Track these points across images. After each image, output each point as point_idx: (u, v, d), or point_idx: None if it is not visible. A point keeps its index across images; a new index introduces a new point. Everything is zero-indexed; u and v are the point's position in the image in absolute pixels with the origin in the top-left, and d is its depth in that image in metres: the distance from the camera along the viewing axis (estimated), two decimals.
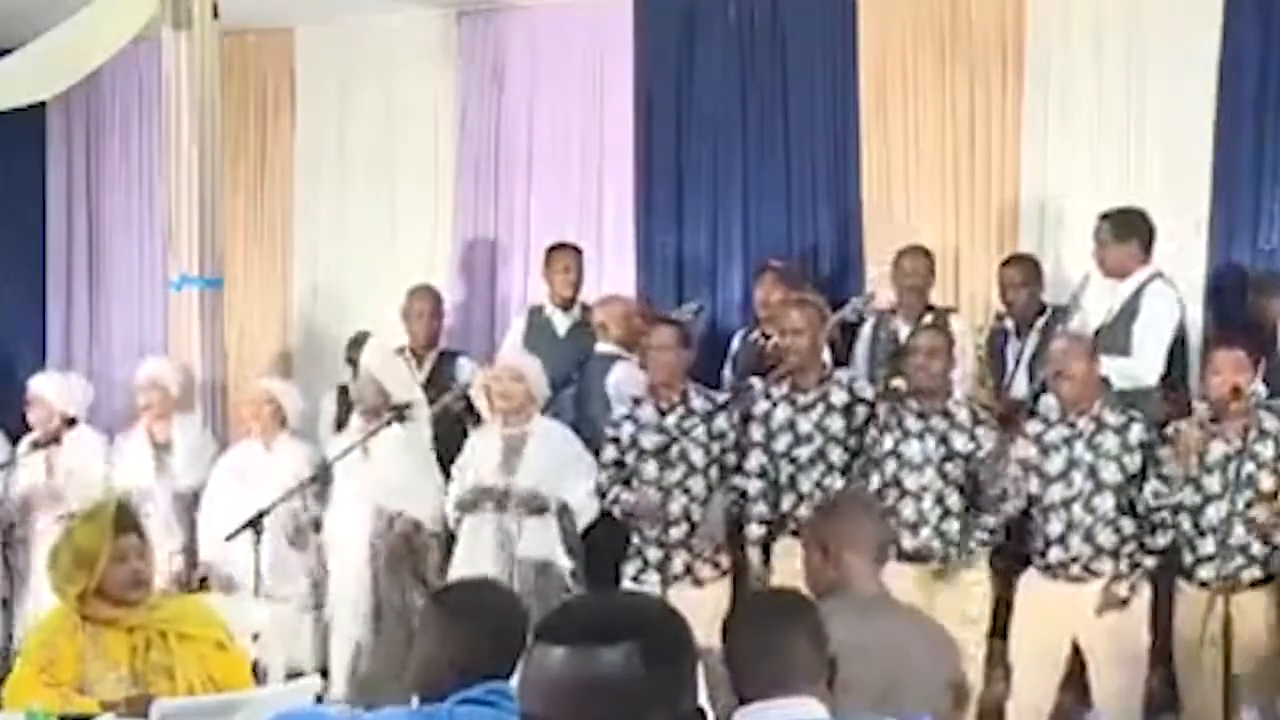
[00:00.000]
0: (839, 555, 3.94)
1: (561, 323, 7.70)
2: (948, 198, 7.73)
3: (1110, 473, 5.74)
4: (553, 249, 7.83)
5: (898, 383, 6.23)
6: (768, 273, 7.42)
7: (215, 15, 7.76)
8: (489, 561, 6.45)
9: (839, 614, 3.45)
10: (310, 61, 9.19)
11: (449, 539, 6.79)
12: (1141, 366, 6.32)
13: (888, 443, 6.05)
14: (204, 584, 7.05)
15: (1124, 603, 5.70)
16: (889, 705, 3.56)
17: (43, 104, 8.86)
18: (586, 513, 6.58)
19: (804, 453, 6.29)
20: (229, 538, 6.02)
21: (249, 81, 9.19)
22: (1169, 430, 5.80)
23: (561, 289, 7.71)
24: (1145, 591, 5.78)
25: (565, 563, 6.52)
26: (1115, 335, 6.41)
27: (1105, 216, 6.64)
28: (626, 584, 6.39)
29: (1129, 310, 6.44)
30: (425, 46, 8.87)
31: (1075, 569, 5.76)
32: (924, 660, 3.87)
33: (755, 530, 6.34)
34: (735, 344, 7.49)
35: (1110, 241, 6.57)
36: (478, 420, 6.94)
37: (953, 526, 5.96)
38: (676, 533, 6.32)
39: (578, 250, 7.83)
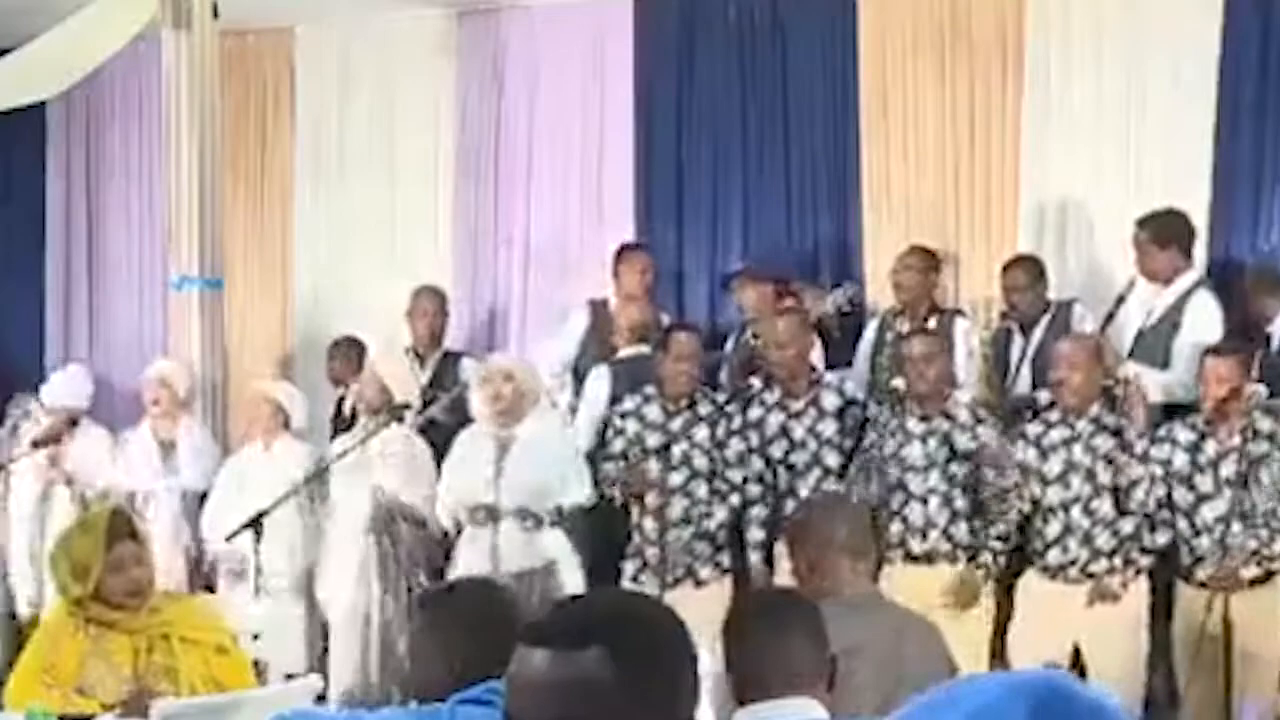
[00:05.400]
0: (820, 562, 3.94)
1: None
2: (948, 198, 7.73)
3: (1108, 476, 5.74)
4: (627, 248, 7.72)
5: (898, 383, 6.23)
6: (740, 275, 7.45)
7: (215, 15, 7.76)
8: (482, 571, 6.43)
9: (830, 620, 3.46)
10: (310, 61, 9.18)
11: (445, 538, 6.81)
12: (1179, 382, 6.26)
13: (889, 446, 6.04)
14: (207, 586, 7.08)
15: (1115, 597, 5.71)
16: (892, 706, 3.56)
17: (43, 103, 8.86)
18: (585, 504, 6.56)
19: (799, 459, 6.32)
20: (229, 538, 6.04)
21: (249, 81, 9.18)
22: (1161, 431, 5.81)
23: (637, 290, 7.50)
24: (1143, 594, 5.78)
25: (568, 565, 6.43)
26: (1155, 345, 6.36)
27: (1143, 223, 6.55)
28: (625, 583, 6.39)
29: (1170, 320, 6.40)
30: (425, 46, 8.87)
31: (1073, 572, 5.77)
32: (917, 656, 3.87)
33: (755, 534, 6.37)
34: (729, 346, 7.49)
35: (1151, 248, 6.49)
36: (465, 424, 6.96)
37: (961, 529, 5.96)
38: (678, 534, 6.32)
39: (649, 251, 7.77)
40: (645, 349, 7.09)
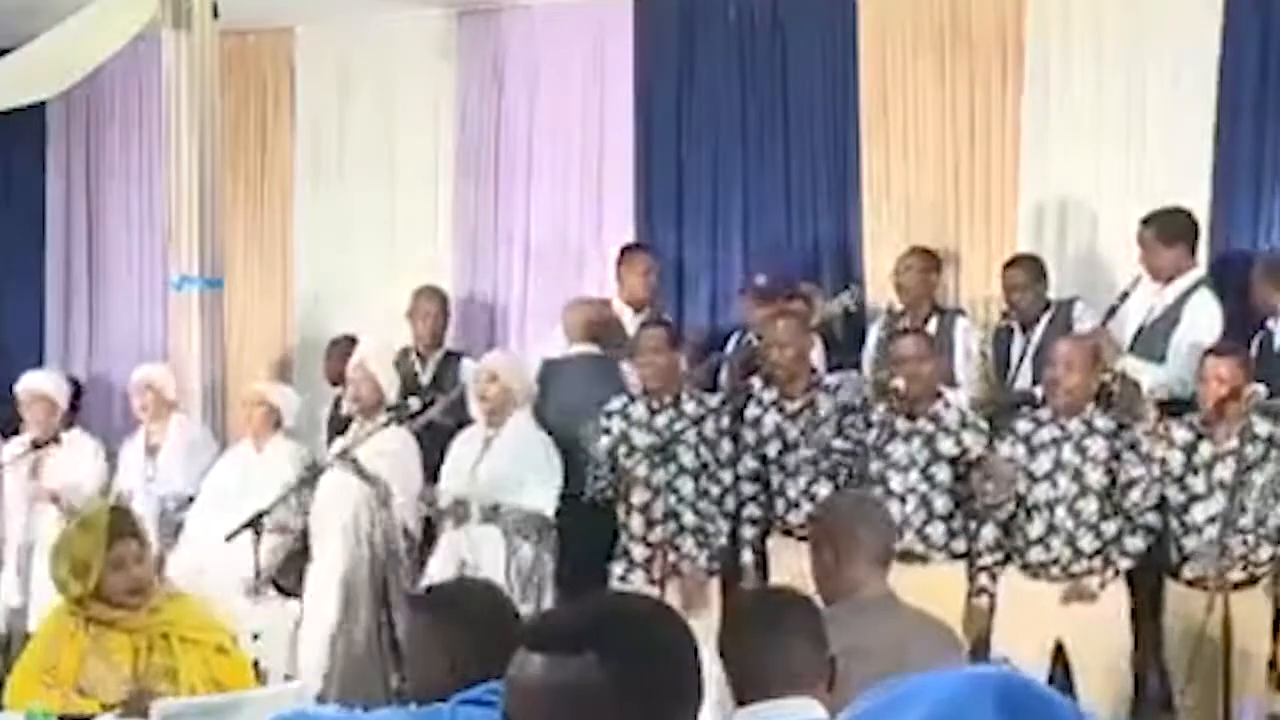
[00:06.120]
0: (845, 559, 3.93)
1: (631, 322, 7.61)
2: (948, 198, 7.73)
3: (1097, 478, 5.74)
4: (629, 249, 7.77)
5: (897, 383, 6.22)
6: (747, 292, 7.46)
7: (215, 15, 7.76)
8: (453, 570, 6.44)
9: (843, 618, 3.46)
10: (310, 61, 9.18)
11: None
12: (1175, 378, 6.26)
13: (875, 439, 6.06)
14: None
15: (1092, 597, 5.71)
16: None
17: (42, 103, 8.86)
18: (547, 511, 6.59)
19: (792, 459, 6.31)
20: (229, 538, 6.02)
21: (249, 81, 9.18)
22: (1160, 429, 5.81)
23: (639, 290, 7.60)
24: (1123, 589, 5.78)
25: (492, 573, 6.32)
26: (1153, 341, 6.36)
27: (1148, 220, 6.54)
28: (614, 583, 6.39)
29: (1170, 317, 6.39)
30: (425, 46, 8.87)
31: (1055, 570, 5.77)
32: (926, 662, 3.87)
33: (748, 532, 6.37)
34: (730, 347, 7.49)
35: (1156, 246, 6.48)
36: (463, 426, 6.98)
37: (937, 530, 5.96)
38: (663, 532, 6.31)
39: (651, 252, 7.80)
40: (594, 349, 7.12)
